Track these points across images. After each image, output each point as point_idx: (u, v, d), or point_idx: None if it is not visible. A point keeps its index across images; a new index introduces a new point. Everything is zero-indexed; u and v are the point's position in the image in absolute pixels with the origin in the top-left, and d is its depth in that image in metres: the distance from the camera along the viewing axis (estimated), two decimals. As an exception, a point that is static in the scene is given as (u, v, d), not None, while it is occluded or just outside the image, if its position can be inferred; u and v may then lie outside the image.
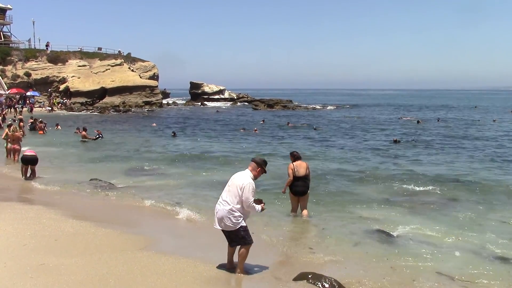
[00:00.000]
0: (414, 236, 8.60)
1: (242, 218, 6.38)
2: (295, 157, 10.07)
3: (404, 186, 13.55)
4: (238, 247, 6.46)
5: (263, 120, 40.24)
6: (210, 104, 79.79)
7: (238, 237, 6.40)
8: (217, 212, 6.44)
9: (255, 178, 6.45)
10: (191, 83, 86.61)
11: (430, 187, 13.25)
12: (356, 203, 11.45)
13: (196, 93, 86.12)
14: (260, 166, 6.54)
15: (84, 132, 25.12)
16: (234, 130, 33.75)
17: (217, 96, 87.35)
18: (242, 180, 6.36)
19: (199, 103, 78.91)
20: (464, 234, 8.78)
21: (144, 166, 17.07)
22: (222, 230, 6.42)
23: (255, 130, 31.27)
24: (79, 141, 24.75)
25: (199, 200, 11.57)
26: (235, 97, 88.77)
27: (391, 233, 8.77)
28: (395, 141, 24.64)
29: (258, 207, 6.40)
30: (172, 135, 28.26)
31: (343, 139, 27.47)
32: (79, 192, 12.32)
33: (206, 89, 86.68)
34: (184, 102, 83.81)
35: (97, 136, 25.13)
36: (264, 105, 65.61)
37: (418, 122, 38.34)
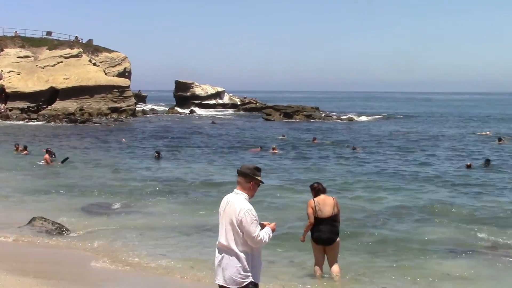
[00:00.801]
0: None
1: (251, 273, 6.45)
2: (316, 190, 10.12)
3: (488, 229, 14.10)
4: None
5: (284, 136, 41.77)
6: (202, 112, 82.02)
7: None
8: (218, 261, 6.61)
9: (251, 197, 6.57)
10: (177, 82, 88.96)
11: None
12: (423, 253, 11.89)
13: (184, 97, 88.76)
14: (251, 178, 6.56)
15: (47, 155, 26.48)
16: (239, 149, 35.29)
17: (213, 101, 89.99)
18: (235, 209, 6.43)
19: (188, 111, 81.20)
20: None
21: (110, 201, 17.70)
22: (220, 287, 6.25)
23: (274, 150, 32.47)
24: (22, 163, 26.12)
25: (192, 251, 12.05)
26: (239, 103, 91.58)
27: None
28: (468, 166, 25.86)
29: (267, 232, 6.50)
30: (155, 157, 29.55)
31: (395, 163, 28.60)
32: (19, 238, 12.82)
33: (198, 90, 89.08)
34: (167, 109, 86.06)
35: (66, 159, 26.96)
36: (280, 114, 67.39)
37: (499, 140, 38.20)
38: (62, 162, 26.25)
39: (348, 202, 17.47)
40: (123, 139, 39.13)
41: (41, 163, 26.06)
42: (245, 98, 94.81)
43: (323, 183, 10.43)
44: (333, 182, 21.63)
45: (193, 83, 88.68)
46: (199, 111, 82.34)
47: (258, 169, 6.65)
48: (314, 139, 39.71)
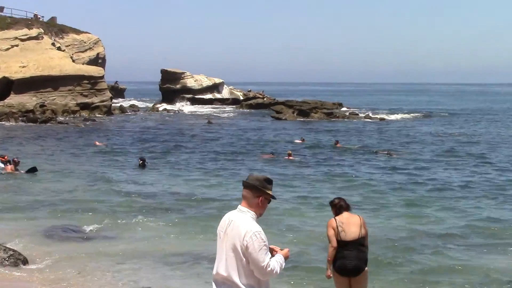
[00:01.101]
0: None
1: None
2: (337, 207, 10.17)
3: None
4: None
5: (303, 139, 43.11)
6: (196, 109, 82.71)
7: None
8: None
9: (260, 215, 6.60)
10: (164, 72, 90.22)
11: None
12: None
13: (172, 90, 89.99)
14: (260, 192, 6.58)
15: (10, 166, 27.52)
16: (243, 155, 35.91)
17: (209, 96, 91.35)
18: (239, 231, 6.42)
19: (177, 107, 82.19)
20: None
21: (82, 222, 17.76)
22: None
23: (289, 157, 33.18)
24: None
25: (184, 286, 12.25)
26: (241, 97, 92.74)
27: None
28: None
29: (279, 260, 6.50)
30: (139, 165, 30.12)
31: (441, 172, 28.97)
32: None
33: (190, 82, 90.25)
34: (151, 105, 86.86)
35: (32, 168, 27.72)
36: (294, 112, 68.04)
37: None
38: (27, 172, 26.87)
39: (383, 222, 17.89)
40: (98, 143, 39.73)
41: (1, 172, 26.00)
42: (249, 91, 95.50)
43: (351, 198, 10.22)
44: (361, 196, 22.11)
45: (184, 73, 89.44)
46: (191, 107, 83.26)
47: (269, 181, 6.68)
48: (337, 142, 40.44)
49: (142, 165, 29.78)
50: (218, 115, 73.25)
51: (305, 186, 24.53)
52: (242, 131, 51.79)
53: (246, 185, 6.61)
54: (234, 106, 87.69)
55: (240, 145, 40.81)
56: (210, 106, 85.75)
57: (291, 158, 32.97)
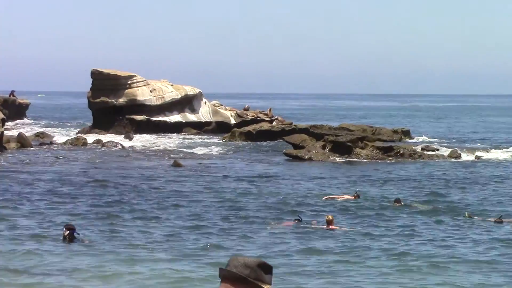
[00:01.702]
0: None
1: None
2: None
3: None
4: None
5: (357, 195, 34.02)
6: (154, 140, 65.40)
7: None
8: None
9: None
10: (96, 74, 72.19)
11: None
12: None
13: (111, 107, 71.85)
14: (249, 283, 5.20)
15: None
16: (248, 222, 28.15)
17: (176, 117, 73.95)
18: None
19: (121, 139, 64.19)
20: None
21: None
22: None
23: (329, 224, 27.21)
24: None
25: None
26: (233, 119, 74.43)
27: None
28: None
29: None
30: (63, 238, 24.94)
31: None
32: None
33: (142, 93, 72.69)
34: (75, 134, 69.31)
35: None
36: (324, 146, 53.34)
37: None
38: None
39: None
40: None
41: None
42: (246, 110, 75.49)
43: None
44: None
45: (131, 78, 70.79)
46: (145, 138, 65.05)
47: (266, 269, 5.22)
48: (398, 201, 32.80)
49: (68, 239, 25.08)
50: (194, 151, 57.22)
51: (364, 282, 19.91)
52: (238, 181, 40.45)
53: (227, 276, 5.21)
54: (220, 135, 67.31)
55: (237, 207, 31.88)
56: (178, 135, 67.13)
57: (332, 227, 27.35)
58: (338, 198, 34.55)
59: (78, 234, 26.30)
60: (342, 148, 51.79)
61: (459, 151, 55.23)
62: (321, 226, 28.20)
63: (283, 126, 65.78)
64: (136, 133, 64.66)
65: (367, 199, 34.86)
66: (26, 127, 71.14)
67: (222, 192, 36.59)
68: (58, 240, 25.42)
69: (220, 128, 68.65)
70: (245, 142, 62.71)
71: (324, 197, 35.09)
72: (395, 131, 61.71)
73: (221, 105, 73.68)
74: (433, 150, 55.41)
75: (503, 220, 29.48)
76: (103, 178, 41.60)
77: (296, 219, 29.37)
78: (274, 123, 68.05)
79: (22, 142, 56.00)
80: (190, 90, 69.63)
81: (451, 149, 56.37)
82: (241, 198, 34.82)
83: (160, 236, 26.99)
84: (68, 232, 25.82)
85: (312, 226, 28.79)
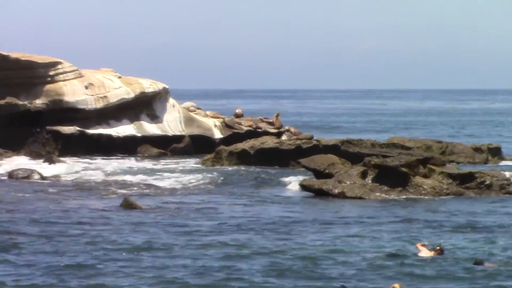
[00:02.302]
0: None
1: None
2: None
3: None
4: None
5: (440, 249, 25.50)
6: (85, 161, 51.53)
7: None
8: None
9: None
10: None
11: None
12: None
13: (21, 112, 56.23)
14: None
15: None
16: None
17: (124, 128, 55.76)
18: None
19: (38, 166, 50.33)
20: None
21: None
22: None
23: None
24: None
25: None
26: (217, 132, 56.97)
27: None
28: None
29: None
30: None
31: None
32: None
33: (72, 88, 54.32)
34: None
35: None
36: (365, 174, 38.72)
37: None
38: None
39: None
40: None
41: None
42: (237, 115, 58.33)
43: None
44: None
45: (55, 65, 55.26)
46: (76, 162, 50.44)
47: None
48: (480, 262, 24.10)
49: None
50: (155, 183, 41.96)
51: None
52: (228, 236, 26.53)
53: None
54: (197, 157, 53.64)
55: (240, 272, 19.56)
56: (130, 157, 52.39)
57: None
58: (420, 250, 25.17)
59: None
60: (393, 176, 38.32)
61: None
62: None
63: (298, 141, 49.49)
64: (62, 154, 48.60)
65: (454, 257, 23.22)
66: None
67: (202, 265, 21.50)
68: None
69: (197, 145, 52.91)
70: (237, 168, 47.52)
71: (418, 244, 26.16)
72: (477, 149, 50.08)
73: (198, 108, 56.55)
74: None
75: None
76: (4, 230, 28.69)
77: None
78: (283, 137, 52.33)
79: None
80: (149, 86, 52.56)
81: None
82: (235, 274, 20.11)
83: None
84: None
85: None
